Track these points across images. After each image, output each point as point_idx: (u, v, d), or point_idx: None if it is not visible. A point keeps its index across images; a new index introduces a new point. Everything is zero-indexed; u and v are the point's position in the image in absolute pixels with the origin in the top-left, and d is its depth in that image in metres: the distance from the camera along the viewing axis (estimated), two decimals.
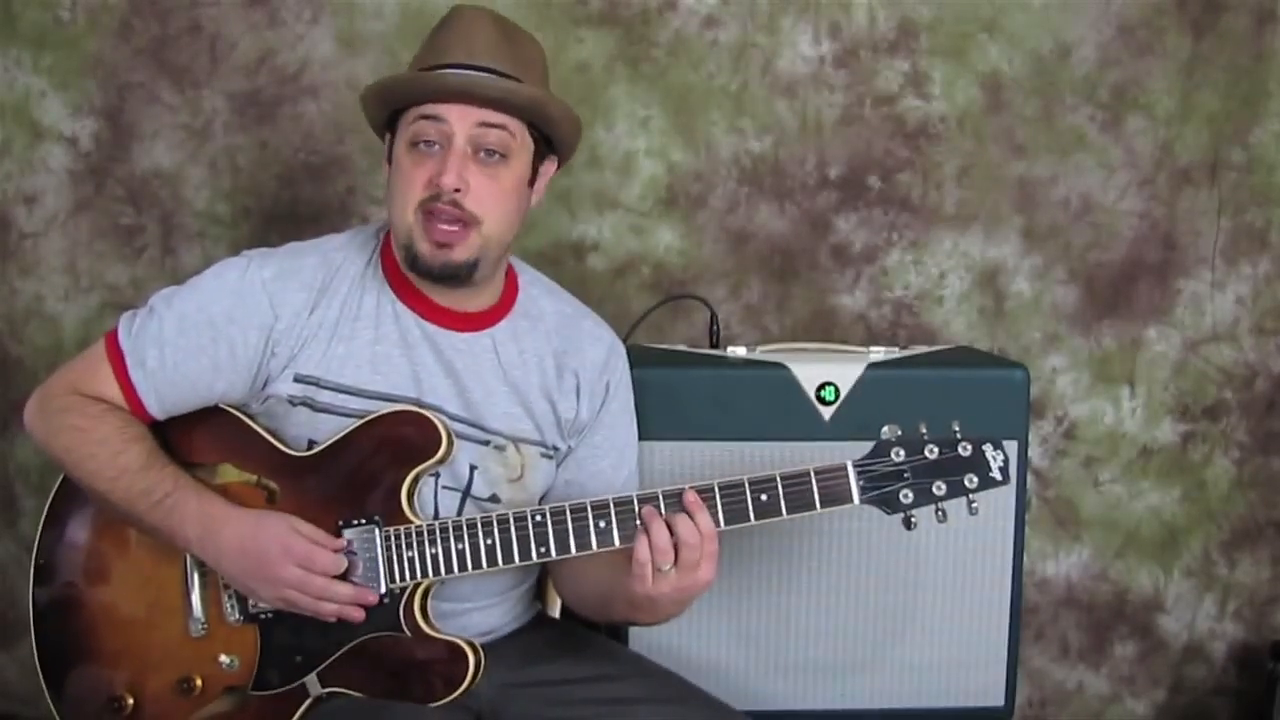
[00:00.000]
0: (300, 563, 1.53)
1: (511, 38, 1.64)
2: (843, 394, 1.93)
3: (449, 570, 1.56)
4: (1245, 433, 2.49)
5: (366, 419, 1.60)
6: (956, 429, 1.54)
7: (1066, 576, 2.52)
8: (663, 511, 1.51)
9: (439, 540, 1.56)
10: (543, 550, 1.55)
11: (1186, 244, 2.45)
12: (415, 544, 1.56)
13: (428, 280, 1.64)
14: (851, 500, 1.52)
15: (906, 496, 1.52)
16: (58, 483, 1.70)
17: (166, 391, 1.61)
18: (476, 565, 1.56)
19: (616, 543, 1.53)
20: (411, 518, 1.58)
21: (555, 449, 1.75)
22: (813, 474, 1.52)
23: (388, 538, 1.57)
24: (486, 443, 1.68)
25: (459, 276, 1.63)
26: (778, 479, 1.52)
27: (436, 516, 1.65)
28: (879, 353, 2.00)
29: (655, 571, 1.49)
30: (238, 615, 1.61)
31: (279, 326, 1.61)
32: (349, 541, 1.57)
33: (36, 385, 1.68)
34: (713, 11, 2.36)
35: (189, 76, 2.34)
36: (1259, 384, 2.49)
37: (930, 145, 2.41)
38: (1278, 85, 2.40)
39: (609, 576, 1.60)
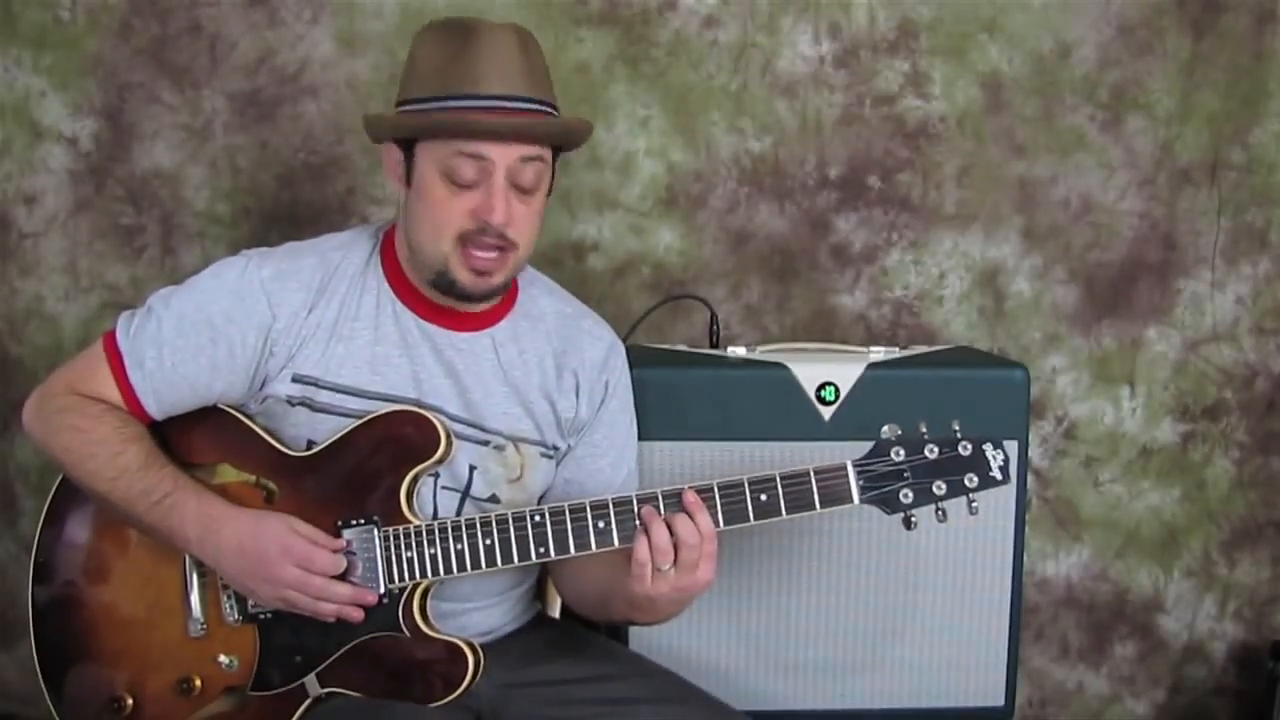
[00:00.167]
0: (299, 563, 1.53)
1: (531, 55, 1.60)
2: (843, 394, 1.93)
3: (448, 570, 1.56)
4: (1245, 433, 2.49)
5: (365, 419, 1.60)
6: (956, 429, 1.54)
7: (1066, 576, 2.51)
8: (662, 512, 1.51)
9: (438, 540, 1.56)
10: (542, 551, 1.55)
11: (1186, 244, 2.44)
12: (414, 544, 1.56)
13: (459, 301, 1.65)
14: (851, 500, 1.52)
15: (906, 496, 1.52)
16: (57, 482, 1.70)
17: (165, 391, 1.61)
18: (475, 565, 1.56)
19: (616, 543, 1.53)
20: (410, 518, 1.58)
21: (555, 448, 1.75)
22: (812, 474, 1.52)
23: (387, 538, 1.57)
24: (486, 443, 1.68)
25: (490, 297, 1.65)
26: (777, 479, 1.52)
27: (435, 517, 1.65)
28: (879, 353, 2.00)
29: (654, 572, 1.49)
30: (237, 615, 1.61)
31: (277, 326, 1.61)
32: (348, 542, 1.57)
33: (36, 385, 1.68)
34: (713, 11, 2.36)
35: (189, 76, 2.34)
36: (1259, 384, 2.49)
37: (930, 145, 2.40)
38: (1278, 85, 2.40)
39: (608, 576, 1.60)
